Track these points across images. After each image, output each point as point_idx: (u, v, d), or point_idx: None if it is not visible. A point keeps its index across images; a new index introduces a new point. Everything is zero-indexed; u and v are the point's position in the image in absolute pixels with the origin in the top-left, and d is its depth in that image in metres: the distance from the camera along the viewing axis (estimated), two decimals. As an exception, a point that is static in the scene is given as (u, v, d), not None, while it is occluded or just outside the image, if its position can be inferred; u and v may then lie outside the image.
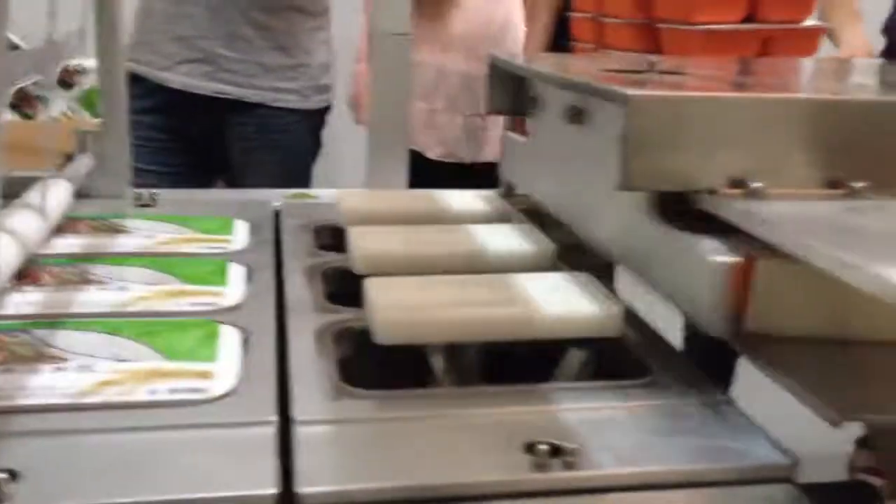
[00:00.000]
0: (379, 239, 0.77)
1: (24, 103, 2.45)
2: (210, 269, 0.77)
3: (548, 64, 0.94)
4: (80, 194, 1.01)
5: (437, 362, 0.66)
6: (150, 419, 0.53)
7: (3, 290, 0.69)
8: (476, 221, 0.86)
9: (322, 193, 1.16)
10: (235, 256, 0.82)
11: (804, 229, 0.52)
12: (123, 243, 0.85)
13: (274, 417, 0.53)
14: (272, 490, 0.46)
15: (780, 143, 0.60)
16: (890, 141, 0.61)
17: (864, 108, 0.61)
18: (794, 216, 0.55)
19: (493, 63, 0.95)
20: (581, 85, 0.73)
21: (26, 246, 0.72)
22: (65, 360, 0.59)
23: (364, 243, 0.75)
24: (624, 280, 0.77)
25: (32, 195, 0.81)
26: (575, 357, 0.70)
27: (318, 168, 1.75)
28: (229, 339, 0.63)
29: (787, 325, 0.58)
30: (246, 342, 0.63)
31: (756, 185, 0.59)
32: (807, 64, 1.03)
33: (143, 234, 0.88)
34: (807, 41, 1.18)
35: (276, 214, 1.01)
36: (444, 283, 0.67)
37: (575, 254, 0.93)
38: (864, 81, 0.83)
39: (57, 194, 0.85)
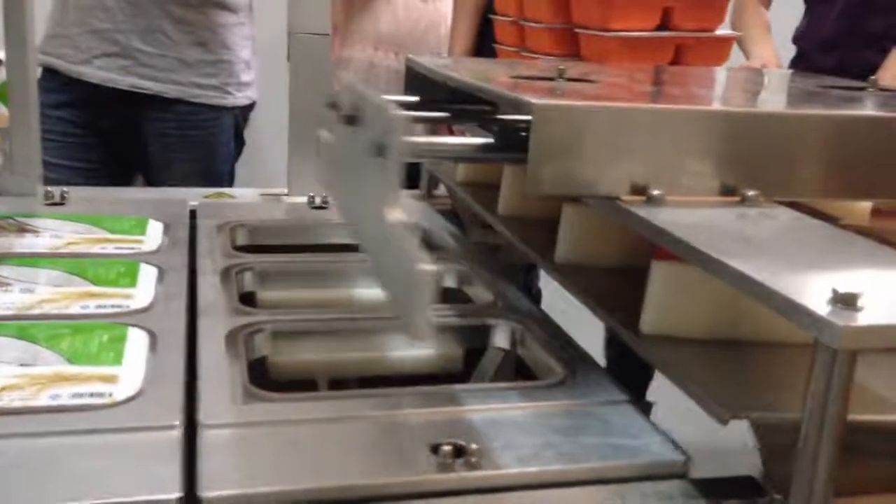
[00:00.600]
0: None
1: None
2: (120, 271, 0.76)
3: (457, 68, 0.95)
4: (-13, 191, 0.99)
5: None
6: (52, 424, 0.52)
7: None
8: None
9: (240, 193, 1.15)
10: (147, 257, 0.82)
11: (698, 236, 0.54)
12: (31, 243, 0.83)
13: (178, 421, 0.53)
14: (175, 494, 0.46)
15: (678, 152, 0.63)
16: (779, 150, 0.64)
17: (756, 120, 0.64)
18: (690, 223, 0.57)
19: (408, 64, 0.96)
20: (492, 91, 0.74)
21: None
22: (-37, 364, 0.58)
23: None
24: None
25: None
26: (490, 359, 0.72)
27: (243, 166, 1.73)
28: (136, 342, 0.63)
29: (684, 327, 0.61)
30: (154, 345, 0.63)
31: (655, 192, 0.61)
32: (714, 73, 1.06)
33: (51, 233, 0.86)
34: (718, 50, 1.22)
35: (192, 214, 1.00)
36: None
37: (496, 253, 0.96)
38: (765, 92, 0.86)
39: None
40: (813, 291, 0.44)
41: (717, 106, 0.65)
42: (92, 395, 0.55)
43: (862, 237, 0.56)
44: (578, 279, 0.73)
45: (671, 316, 0.61)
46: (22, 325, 0.64)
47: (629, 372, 0.70)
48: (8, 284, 0.72)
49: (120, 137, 1.54)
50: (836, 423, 0.44)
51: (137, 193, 1.15)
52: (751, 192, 0.63)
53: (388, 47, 1.82)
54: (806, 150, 0.65)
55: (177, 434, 0.52)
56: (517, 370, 0.71)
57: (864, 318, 0.42)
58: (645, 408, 0.61)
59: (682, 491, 0.52)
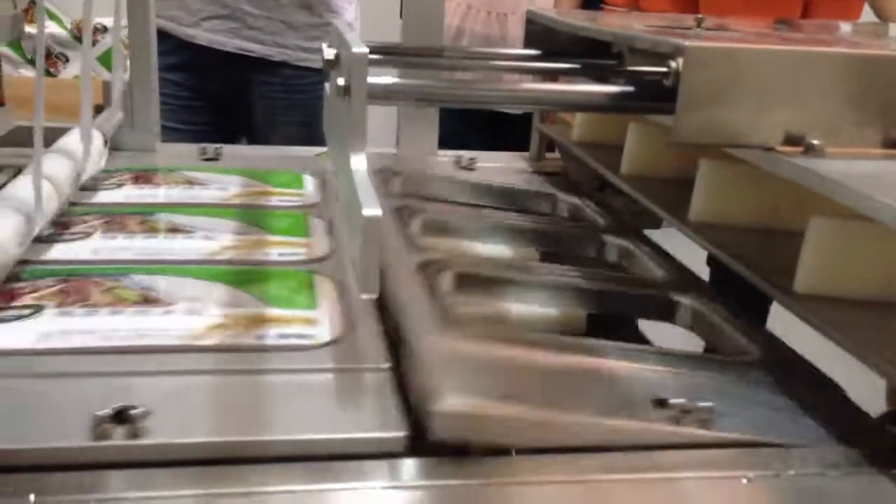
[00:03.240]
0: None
1: (46, 61, 2.44)
2: (291, 222, 0.81)
3: (584, 19, 0.94)
4: (111, 147, 1.04)
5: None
6: (264, 363, 0.56)
7: (89, 234, 0.73)
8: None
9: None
10: (312, 210, 0.85)
11: (873, 186, 0.54)
12: (199, 195, 0.87)
13: (387, 364, 0.56)
14: (403, 433, 0.49)
15: (838, 99, 0.62)
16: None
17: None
18: (859, 174, 0.57)
19: (529, 17, 0.96)
20: (634, 38, 0.74)
21: (60, 191, 0.73)
22: (171, 303, 0.62)
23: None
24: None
25: (66, 140, 0.83)
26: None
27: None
28: (325, 288, 0.67)
29: (844, 287, 0.61)
30: (342, 291, 0.66)
31: (814, 142, 0.62)
32: (851, 26, 1.04)
33: (216, 186, 0.91)
34: (849, 5, 1.16)
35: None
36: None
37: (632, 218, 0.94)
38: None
39: (95, 143, 0.86)
40: None
41: (879, 51, 0.65)
42: (298, 335, 0.59)
43: None
44: (716, 237, 0.73)
45: (830, 275, 0.61)
46: (212, 270, 0.68)
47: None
48: (189, 232, 0.76)
49: (227, 100, 1.59)
50: None
51: (265, 151, 1.19)
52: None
53: (478, 11, 1.83)
54: None
55: (387, 376, 0.55)
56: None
57: None
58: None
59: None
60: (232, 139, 1.67)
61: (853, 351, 0.55)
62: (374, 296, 0.50)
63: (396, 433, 0.49)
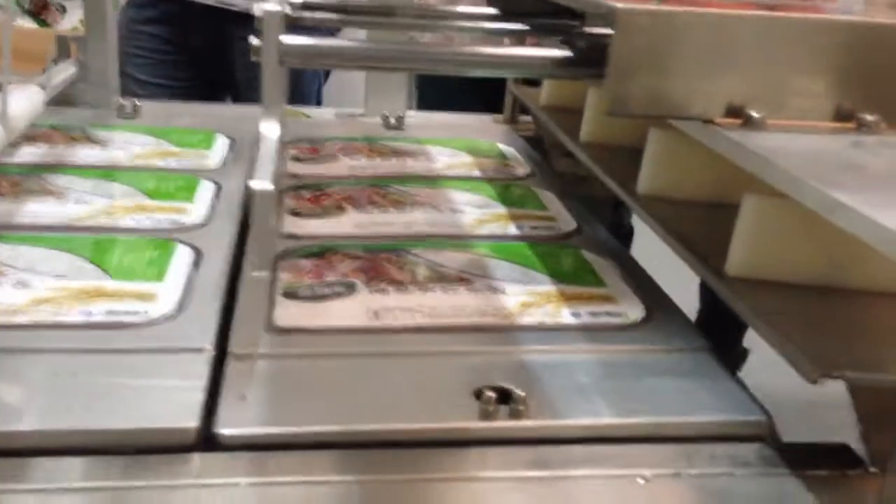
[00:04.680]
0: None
1: (43, 11, 2.41)
2: (179, 185, 0.73)
3: None
4: (66, 102, 0.98)
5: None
6: (80, 341, 0.50)
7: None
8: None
9: (317, 112, 1.11)
10: (209, 173, 0.78)
11: (801, 165, 0.47)
12: (95, 155, 0.81)
13: (209, 346, 0.50)
14: (193, 424, 0.43)
15: (783, 68, 0.54)
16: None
17: (880, 32, 0.55)
18: (793, 150, 0.49)
19: None
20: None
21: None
22: (3, 274, 0.56)
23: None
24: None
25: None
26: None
27: (332, 88, 1.70)
28: (182, 260, 0.60)
29: (777, 270, 0.53)
30: (198, 264, 0.60)
31: (754, 114, 0.54)
32: None
33: (118, 146, 0.84)
34: None
35: (264, 131, 0.96)
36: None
37: (581, 185, 0.89)
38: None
39: (22, 101, 0.80)
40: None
41: (827, 15, 0.56)
42: (127, 312, 0.52)
43: None
44: (661, 211, 0.66)
45: (763, 257, 0.54)
46: (70, 238, 0.62)
47: (724, 319, 0.63)
48: (63, 195, 0.70)
49: (209, 56, 1.52)
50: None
51: (211, 109, 1.12)
52: (869, 117, 0.54)
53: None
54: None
55: (204, 360, 0.48)
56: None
57: None
58: (736, 357, 0.54)
59: (759, 456, 0.45)
60: (215, 96, 1.61)
61: (771, 342, 0.47)
62: (263, 274, 0.45)
63: (184, 424, 0.43)
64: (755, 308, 0.51)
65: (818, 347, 0.45)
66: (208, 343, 0.50)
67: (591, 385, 0.49)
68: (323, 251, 0.63)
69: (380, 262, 0.62)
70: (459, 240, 0.68)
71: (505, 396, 0.46)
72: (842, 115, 0.56)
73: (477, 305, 0.57)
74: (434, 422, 0.45)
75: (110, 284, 0.55)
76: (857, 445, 0.46)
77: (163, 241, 0.62)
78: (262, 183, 0.44)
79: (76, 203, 0.68)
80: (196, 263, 0.60)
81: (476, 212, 0.73)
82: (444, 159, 0.88)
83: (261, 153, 0.49)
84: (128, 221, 0.66)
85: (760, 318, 0.49)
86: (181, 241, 0.63)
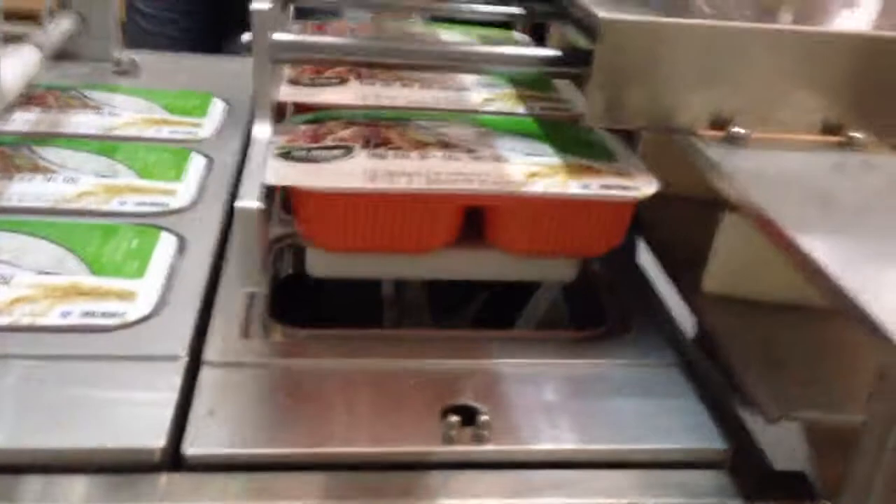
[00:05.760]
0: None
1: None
2: (169, 161, 0.73)
3: None
4: (65, 55, 0.97)
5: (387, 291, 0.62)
6: (56, 347, 0.50)
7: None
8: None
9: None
10: (201, 145, 0.78)
11: (769, 191, 0.46)
12: (87, 122, 0.80)
13: (183, 354, 0.50)
14: (160, 443, 0.44)
15: (770, 80, 0.53)
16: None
17: (870, 44, 0.53)
18: (766, 172, 0.49)
19: None
20: None
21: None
22: (-18, 269, 0.56)
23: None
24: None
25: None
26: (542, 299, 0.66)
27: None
28: (166, 250, 0.60)
29: (752, 289, 0.53)
30: (182, 254, 0.60)
31: (738, 130, 0.53)
32: None
33: (110, 111, 0.83)
34: None
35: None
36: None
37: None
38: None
39: (16, 66, 0.80)
40: (889, 299, 0.36)
41: (817, 27, 0.54)
42: (104, 314, 0.53)
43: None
44: (652, 213, 0.65)
45: (738, 276, 0.54)
46: (53, 224, 0.62)
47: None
48: (53, 172, 0.70)
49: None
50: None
51: (214, 64, 1.10)
52: (857, 135, 0.53)
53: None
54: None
55: (178, 369, 0.49)
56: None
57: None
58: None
59: (715, 483, 0.46)
60: (231, 31, 1.60)
61: (734, 373, 0.48)
62: (257, 290, 0.49)
63: (153, 445, 0.44)
64: (721, 329, 0.51)
65: (778, 385, 0.45)
66: (183, 350, 0.51)
67: (558, 405, 0.49)
68: (323, 119, 0.61)
69: (381, 128, 0.60)
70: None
71: (470, 416, 0.47)
72: (829, 129, 0.55)
73: (480, 172, 0.54)
74: (398, 445, 0.45)
75: (90, 281, 0.56)
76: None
77: (148, 228, 0.63)
78: (245, 202, 0.44)
79: (64, 182, 0.68)
80: (180, 253, 0.60)
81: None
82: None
83: (248, 165, 0.49)
84: (114, 205, 0.66)
85: (724, 341, 0.50)
86: (166, 229, 0.63)
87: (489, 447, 0.46)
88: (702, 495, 0.46)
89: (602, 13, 0.52)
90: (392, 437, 0.46)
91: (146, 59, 1.01)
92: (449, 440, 0.46)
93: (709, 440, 0.48)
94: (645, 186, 0.55)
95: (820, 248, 0.40)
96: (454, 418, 0.46)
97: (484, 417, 0.46)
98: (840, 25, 0.56)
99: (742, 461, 0.47)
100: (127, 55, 0.98)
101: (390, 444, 0.45)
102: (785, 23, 0.54)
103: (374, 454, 0.45)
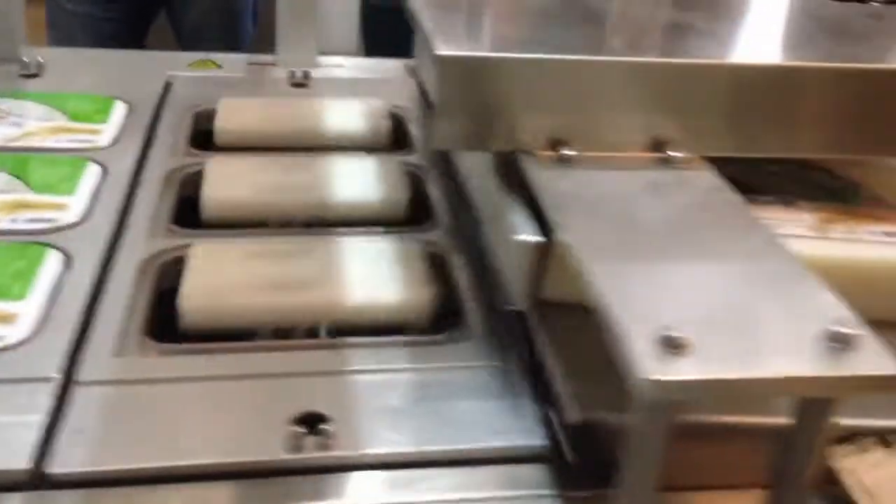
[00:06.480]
0: (230, 183, 0.77)
1: None
2: (64, 173, 0.76)
3: None
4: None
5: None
6: None
7: None
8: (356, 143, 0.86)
9: (230, 61, 1.11)
10: (98, 154, 0.81)
11: (579, 215, 0.51)
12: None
13: (56, 375, 0.54)
14: (23, 465, 0.48)
15: (596, 105, 0.58)
16: (715, 101, 0.58)
17: (685, 68, 0.58)
18: (583, 194, 0.54)
19: None
20: None
21: None
22: None
23: (213, 191, 0.75)
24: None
25: None
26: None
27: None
28: (51, 270, 0.64)
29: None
30: (66, 275, 0.64)
31: (564, 151, 0.57)
32: None
33: (13, 120, 0.86)
34: None
35: (167, 87, 0.99)
36: (265, 257, 0.67)
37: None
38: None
39: None
40: (643, 325, 0.41)
41: (633, 56, 0.59)
42: (-17, 339, 0.57)
43: (766, 228, 0.52)
44: None
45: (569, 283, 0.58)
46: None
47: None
48: (-53, 191, 0.73)
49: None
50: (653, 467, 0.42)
51: (117, 58, 1.12)
52: (676, 153, 0.58)
53: None
54: (748, 103, 0.59)
55: (49, 391, 0.53)
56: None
57: (683, 370, 0.39)
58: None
59: (536, 477, 0.51)
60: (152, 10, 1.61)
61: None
62: None
63: (17, 466, 0.48)
64: (551, 333, 0.56)
65: (583, 387, 0.51)
66: (56, 371, 0.55)
67: (401, 409, 0.55)
68: None
69: None
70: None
71: (317, 423, 0.52)
72: (656, 146, 0.60)
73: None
74: (245, 455, 0.50)
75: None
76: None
77: (34, 246, 0.66)
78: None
79: (-39, 200, 0.72)
80: (66, 271, 0.64)
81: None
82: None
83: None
84: (6, 223, 0.69)
85: (547, 346, 0.55)
86: (53, 247, 0.66)
87: (333, 453, 0.51)
88: (525, 487, 0.51)
89: (440, 51, 0.56)
90: (241, 447, 0.51)
91: (54, 57, 1.03)
92: (295, 448, 0.51)
93: (532, 437, 0.53)
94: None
95: (599, 269, 0.45)
96: (299, 427, 0.51)
97: (326, 426, 0.52)
98: (659, 53, 0.61)
99: (558, 456, 0.53)
100: (34, 56, 1.00)
101: (238, 455, 0.50)
102: (611, 53, 0.59)
103: (224, 465, 0.50)
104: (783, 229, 0.60)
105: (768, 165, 0.69)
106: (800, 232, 0.60)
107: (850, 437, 0.51)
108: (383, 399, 0.55)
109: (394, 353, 0.60)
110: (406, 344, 0.61)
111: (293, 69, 1.05)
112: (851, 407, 0.50)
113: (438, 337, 0.62)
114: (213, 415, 0.53)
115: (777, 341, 0.41)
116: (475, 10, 0.67)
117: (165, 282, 0.66)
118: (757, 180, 0.69)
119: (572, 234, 0.49)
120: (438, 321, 0.65)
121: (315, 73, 1.05)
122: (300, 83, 1.04)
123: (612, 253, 0.48)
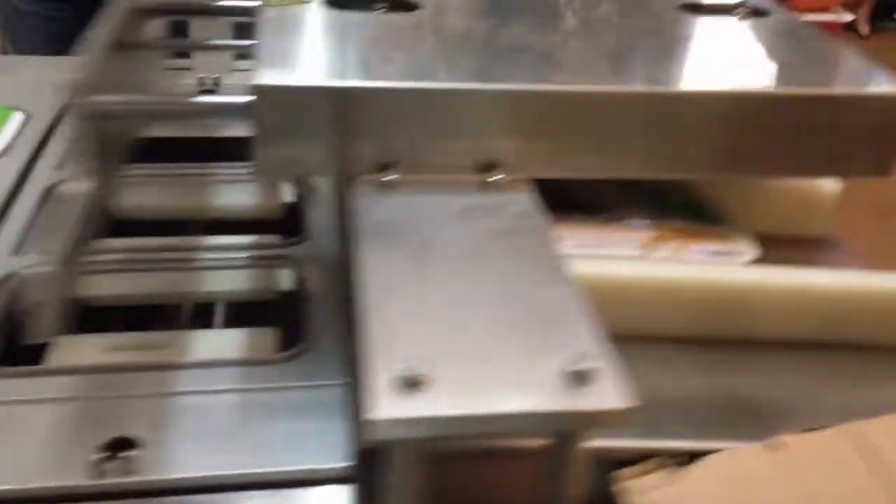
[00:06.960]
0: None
1: None
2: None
3: None
4: None
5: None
6: None
7: None
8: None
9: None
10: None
11: (383, 248, 0.52)
12: None
13: None
14: None
15: (421, 129, 0.59)
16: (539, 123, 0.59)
17: (501, 97, 0.59)
18: (390, 224, 0.55)
19: None
20: None
21: None
22: None
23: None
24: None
25: None
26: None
27: None
28: None
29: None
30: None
31: (385, 176, 0.58)
32: None
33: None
34: None
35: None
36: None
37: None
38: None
39: None
40: (387, 360, 0.42)
41: (456, 83, 0.59)
42: None
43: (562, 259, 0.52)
44: None
45: None
46: None
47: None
48: None
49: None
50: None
51: (41, 64, 1.13)
52: (498, 176, 0.59)
53: None
54: (572, 126, 0.60)
55: None
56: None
57: (414, 407, 0.40)
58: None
59: (337, 498, 0.52)
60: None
61: None
62: None
63: None
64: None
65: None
66: None
67: (217, 431, 0.56)
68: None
69: None
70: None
71: (125, 448, 0.53)
72: (486, 168, 0.60)
73: None
74: (49, 480, 0.51)
75: None
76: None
77: None
78: None
79: None
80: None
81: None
82: None
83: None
84: None
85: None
86: None
87: (137, 478, 0.52)
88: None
89: (261, 80, 0.56)
90: (43, 473, 0.52)
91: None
92: (98, 473, 0.52)
93: (339, 458, 0.54)
94: None
95: (371, 299, 0.46)
96: (103, 453, 0.53)
97: (132, 451, 0.53)
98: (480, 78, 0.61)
99: (363, 475, 0.54)
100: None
101: (42, 480, 0.52)
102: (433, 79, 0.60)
103: (25, 491, 0.51)
104: (605, 249, 0.61)
105: (630, 186, 0.70)
106: (623, 252, 0.61)
107: (639, 458, 0.52)
108: (205, 422, 0.57)
109: (227, 374, 0.61)
110: (241, 364, 0.62)
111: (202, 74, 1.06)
112: (642, 429, 0.52)
113: (276, 356, 0.63)
114: (19, 438, 0.54)
115: (517, 377, 0.42)
116: (317, 36, 0.67)
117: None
118: (610, 199, 0.70)
119: (365, 263, 0.50)
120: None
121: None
122: (210, 89, 1.04)
123: (394, 282, 0.49)
